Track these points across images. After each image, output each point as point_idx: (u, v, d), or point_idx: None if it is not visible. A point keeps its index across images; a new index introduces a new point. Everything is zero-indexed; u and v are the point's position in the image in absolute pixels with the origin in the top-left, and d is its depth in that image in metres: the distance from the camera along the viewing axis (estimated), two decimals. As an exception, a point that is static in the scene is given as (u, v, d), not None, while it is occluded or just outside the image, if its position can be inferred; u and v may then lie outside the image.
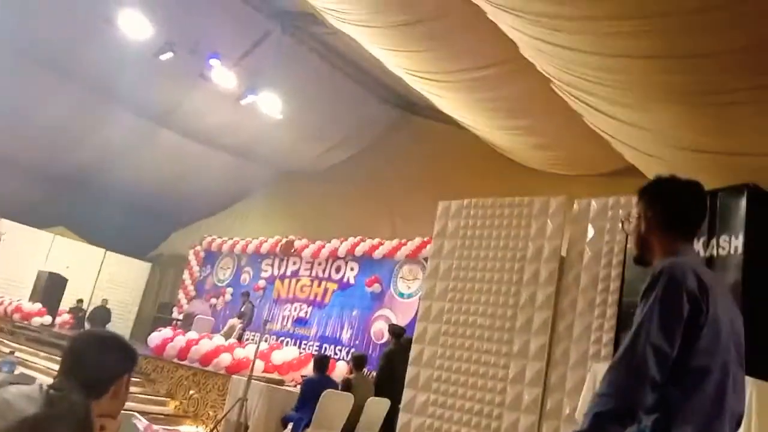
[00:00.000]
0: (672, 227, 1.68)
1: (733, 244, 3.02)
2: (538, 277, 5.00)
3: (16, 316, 12.12)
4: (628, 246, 1.88)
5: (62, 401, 1.67)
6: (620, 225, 1.93)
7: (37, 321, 12.01)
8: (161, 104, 12.68)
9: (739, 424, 1.55)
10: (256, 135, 13.13)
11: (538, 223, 5.18)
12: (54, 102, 12.17)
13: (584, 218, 4.97)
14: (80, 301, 14.39)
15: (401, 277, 10.39)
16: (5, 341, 10.60)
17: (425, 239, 9.72)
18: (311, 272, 12.04)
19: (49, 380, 1.79)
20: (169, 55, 10.35)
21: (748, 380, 2.40)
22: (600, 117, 6.58)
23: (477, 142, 10.28)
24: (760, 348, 2.64)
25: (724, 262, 3.09)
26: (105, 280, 15.69)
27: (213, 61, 10.50)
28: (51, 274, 13.66)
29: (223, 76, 10.79)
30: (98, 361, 1.86)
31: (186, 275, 14.77)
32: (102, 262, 15.82)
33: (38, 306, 12.44)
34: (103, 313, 14.04)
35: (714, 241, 3.15)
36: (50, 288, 13.27)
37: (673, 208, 1.70)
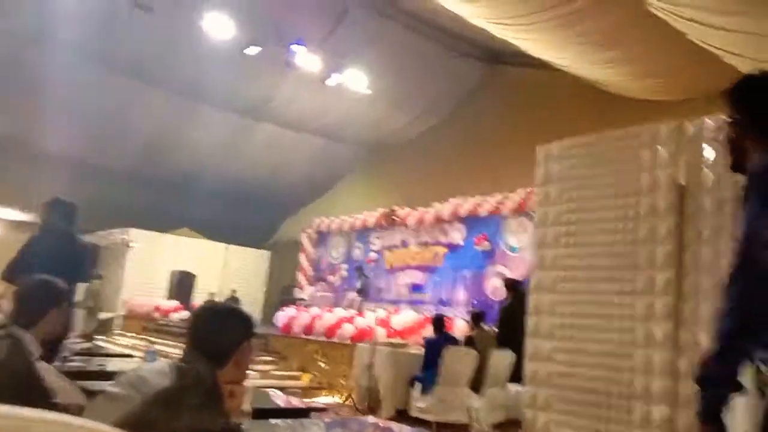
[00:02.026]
0: (762, 126, 1.56)
1: None
2: (656, 209, 4.74)
3: (157, 314, 13.26)
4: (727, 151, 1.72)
5: (190, 372, 1.81)
6: (724, 131, 1.78)
7: (175, 317, 13.10)
8: (253, 98, 13.18)
9: None
10: (347, 113, 13.35)
11: (648, 153, 4.89)
12: (148, 109, 12.99)
13: (699, 140, 4.62)
14: (212, 294, 15.45)
15: (510, 231, 10.22)
16: (150, 338, 11.65)
17: (528, 190, 9.47)
18: (419, 239, 12.14)
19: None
20: (254, 49, 10.71)
21: None
22: (708, 31, 6.06)
23: (571, 81, 9.83)
24: None
25: None
26: (230, 273, 16.73)
27: (296, 47, 10.73)
28: (181, 272, 14.79)
29: (307, 60, 11.03)
30: (218, 331, 2.00)
31: (302, 258, 15.43)
32: (225, 256, 16.86)
33: (174, 303, 13.54)
34: (233, 302, 15.01)
35: None
36: (182, 285, 14.40)
37: (759, 106, 1.58)
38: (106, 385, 2.10)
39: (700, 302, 4.47)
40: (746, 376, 1.37)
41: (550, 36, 7.85)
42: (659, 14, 6.20)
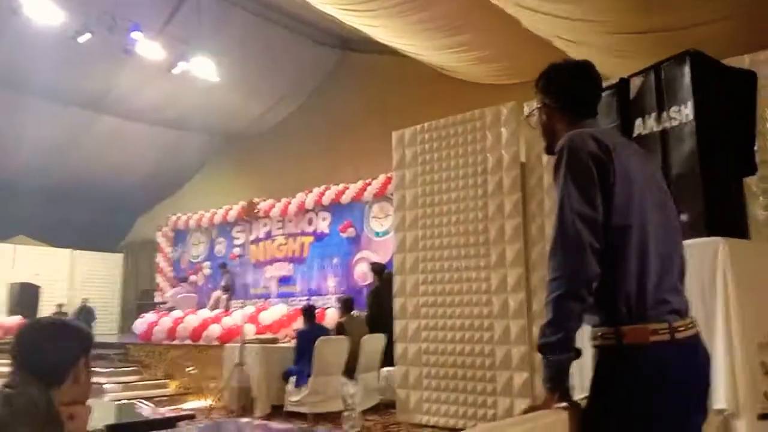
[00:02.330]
0: (569, 109, 1.69)
1: (683, 113, 3.02)
2: (502, 186, 5.03)
3: (-1, 333, 11.89)
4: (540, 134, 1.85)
5: (19, 397, 1.62)
6: (527, 121, 1.90)
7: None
8: (91, 90, 12.13)
9: (682, 273, 1.57)
10: (197, 103, 12.71)
11: (493, 134, 5.18)
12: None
13: (537, 120, 4.97)
14: (60, 305, 14.12)
15: (373, 217, 10.39)
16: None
17: (388, 175, 9.68)
18: (284, 230, 11.96)
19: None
20: (87, 36, 9.81)
21: (718, 240, 2.46)
22: (538, 17, 6.50)
23: (421, 67, 10.13)
24: (720, 207, 2.71)
25: (679, 133, 3.09)
26: (80, 280, 15.41)
27: (135, 34, 10.00)
28: (22, 284, 13.34)
29: (148, 47, 10.30)
30: (50, 350, 1.79)
31: (159, 258, 14.57)
32: (71, 263, 15.49)
33: (17, 318, 12.19)
34: (85, 313, 13.85)
35: (665, 114, 3.15)
36: (25, 298, 13.02)
37: (566, 91, 1.71)
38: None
39: (546, 272, 4.85)
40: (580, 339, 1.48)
41: (394, 22, 8.01)
42: (494, 1, 6.56)
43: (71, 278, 15.41)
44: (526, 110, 1.86)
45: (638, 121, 2.98)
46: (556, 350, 1.44)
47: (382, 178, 10.07)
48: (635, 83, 3.04)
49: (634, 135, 2.90)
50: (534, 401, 3.00)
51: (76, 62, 10.82)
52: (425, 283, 5.39)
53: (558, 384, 1.45)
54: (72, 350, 1.83)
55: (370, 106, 11.18)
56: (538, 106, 1.76)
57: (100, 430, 3.58)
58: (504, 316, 4.85)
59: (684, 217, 2.60)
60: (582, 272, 1.43)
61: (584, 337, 1.53)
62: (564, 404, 1.42)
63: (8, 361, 1.79)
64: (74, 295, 14.79)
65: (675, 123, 3.00)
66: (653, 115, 3.11)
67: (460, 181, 5.29)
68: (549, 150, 1.74)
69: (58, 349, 1.78)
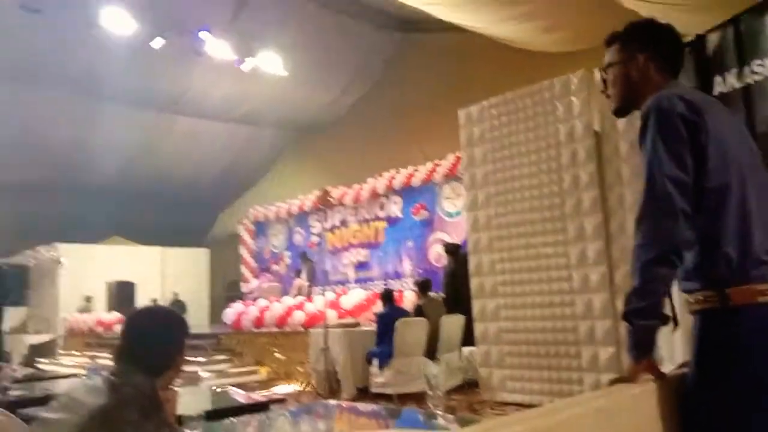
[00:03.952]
0: (664, 67, 1.63)
1: (768, 66, 2.84)
2: (576, 157, 4.89)
3: (99, 329, 12.79)
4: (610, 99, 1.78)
5: (126, 386, 1.73)
6: (601, 80, 1.82)
7: (118, 329, 12.61)
8: (167, 92, 12.69)
9: None
10: (267, 97, 13.06)
11: (563, 104, 5.03)
12: (56, 117, 12.25)
13: (610, 86, 4.77)
14: (154, 300, 14.97)
15: (445, 198, 10.35)
16: (96, 353, 11.23)
17: (458, 154, 9.60)
18: (358, 216, 12.14)
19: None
20: (159, 41, 10.26)
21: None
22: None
23: (485, 42, 9.90)
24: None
25: (763, 88, 2.91)
26: (171, 276, 16.27)
27: (203, 35, 10.36)
28: (119, 282, 14.26)
29: (216, 47, 10.67)
30: (157, 341, 1.91)
31: (243, 250, 15.16)
32: (162, 260, 16.37)
33: (116, 315, 13.07)
34: (177, 307, 14.65)
35: (747, 69, 2.97)
36: (122, 295, 13.90)
37: (665, 48, 1.65)
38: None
39: (628, 243, 4.68)
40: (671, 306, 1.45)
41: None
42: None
43: (162, 275, 16.29)
44: (609, 59, 1.78)
45: (718, 79, 2.83)
46: (644, 316, 1.40)
47: (451, 158, 10.00)
48: (712, 39, 2.88)
49: (714, 94, 2.76)
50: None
51: (152, 67, 11.35)
52: (501, 261, 5.33)
53: (645, 352, 1.42)
54: (179, 337, 1.95)
55: (435, 86, 11.09)
56: (622, 60, 1.67)
57: (199, 415, 3.81)
58: (585, 291, 4.73)
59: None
60: (673, 237, 1.39)
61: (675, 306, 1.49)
62: (651, 375, 1.39)
63: (110, 353, 1.92)
64: (166, 290, 15.65)
65: (759, 78, 2.83)
66: (734, 71, 2.94)
67: (532, 155, 5.18)
68: (620, 111, 1.69)
69: (167, 340, 1.91)
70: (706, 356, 1.41)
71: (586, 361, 4.68)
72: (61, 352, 13.50)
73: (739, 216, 1.42)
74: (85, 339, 12.91)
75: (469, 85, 9.59)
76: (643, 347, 1.42)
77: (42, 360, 12.44)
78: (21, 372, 8.38)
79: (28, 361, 12.16)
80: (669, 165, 1.41)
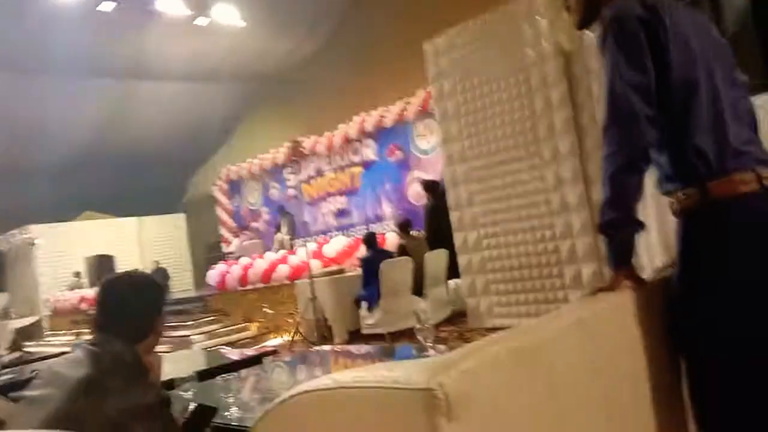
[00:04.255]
0: None
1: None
2: (546, 79, 4.81)
3: (84, 305, 12.70)
4: (571, 13, 1.72)
5: (107, 354, 1.70)
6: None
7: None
8: (123, 58, 12.20)
9: (755, 126, 1.49)
10: (227, 51, 12.64)
11: (530, 25, 4.90)
12: (6, 97, 11.77)
13: (574, 1, 4.65)
14: (135, 270, 14.84)
15: (418, 135, 10.25)
16: (82, 330, 11.19)
17: (427, 90, 9.45)
18: (332, 164, 12.02)
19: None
20: (108, 5, 9.79)
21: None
22: None
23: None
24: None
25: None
26: (149, 245, 16.11)
27: (153, -8, 9.91)
28: (98, 257, 14.09)
29: (169, 4, 10.21)
30: (138, 303, 1.87)
31: (220, 211, 15.01)
32: (138, 229, 16.17)
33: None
34: (160, 274, 14.56)
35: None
36: (102, 269, 13.74)
37: None
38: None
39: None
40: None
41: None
42: None
43: (141, 244, 16.13)
44: None
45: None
46: (620, 226, 1.39)
47: (421, 93, 9.85)
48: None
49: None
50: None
51: (104, 34, 10.87)
52: (479, 192, 5.32)
53: (624, 261, 1.41)
54: (156, 301, 1.91)
55: (398, 23, 10.80)
56: None
57: (191, 376, 3.80)
58: (564, 211, 4.75)
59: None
60: (637, 142, 1.37)
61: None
62: (632, 283, 1.38)
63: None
64: (146, 260, 15.53)
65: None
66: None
67: (501, 81, 5.09)
68: (582, 22, 1.63)
69: (143, 301, 1.87)
70: (693, 255, 1.40)
71: (569, 279, 4.75)
72: (47, 333, 13.43)
73: (711, 110, 1.40)
74: (71, 317, 12.83)
75: (432, 16, 9.32)
76: (621, 256, 1.41)
77: (29, 343, 12.38)
78: (8, 357, 8.32)
79: (15, 346, 12.07)
80: (627, 70, 1.38)
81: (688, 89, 1.40)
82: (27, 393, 1.89)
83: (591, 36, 4.65)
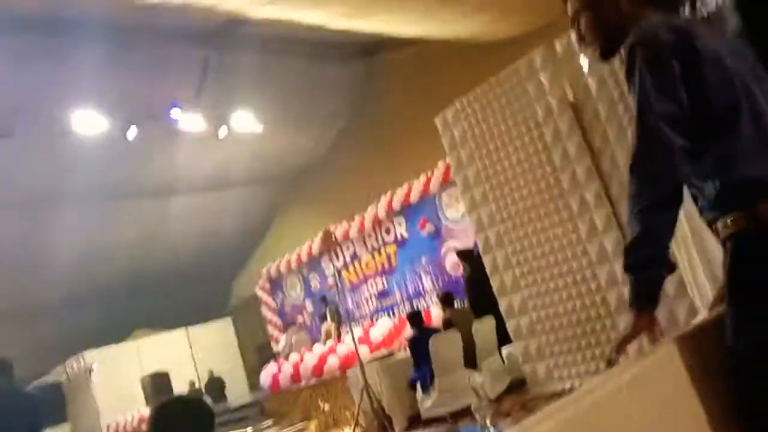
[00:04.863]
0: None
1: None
2: (560, 133, 4.83)
3: (144, 427, 12.65)
4: (586, 45, 1.68)
5: None
6: (573, 28, 1.74)
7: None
8: (157, 178, 12.77)
9: None
10: (252, 155, 13.10)
11: (532, 85, 4.99)
12: (53, 234, 12.31)
13: (571, 54, 4.74)
14: (192, 383, 14.85)
15: (446, 206, 10.29)
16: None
17: (447, 161, 9.57)
18: (367, 247, 12.08)
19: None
20: (133, 131, 10.35)
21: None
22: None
23: (443, 47, 9.98)
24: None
25: (719, 16, 2.85)
26: (201, 354, 16.14)
27: (174, 112, 10.44)
28: (152, 375, 14.17)
29: (190, 121, 10.75)
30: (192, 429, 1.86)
31: (265, 310, 15.08)
32: (189, 340, 16.30)
33: (157, 407, 12.96)
34: (215, 383, 14.51)
35: (699, 3, 2.91)
36: (158, 387, 13.79)
37: None
38: None
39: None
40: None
41: (397, 9, 7.99)
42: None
43: (193, 354, 16.18)
44: (571, 17, 1.68)
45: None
46: (648, 266, 1.33)
47: (441, 165, 9.97)
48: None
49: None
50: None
51: (134, 158, 11.44)
52: (515, 254, 5.25)
53: (648, 303, 1.33)
54: (206, 428, 1.90)
55: (411, 100, 11.12)
56: (589, 4, 1.56)
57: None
58: (604, 259, 4.63)
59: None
60: (669, 177, 1.32)
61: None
62: (651, 333, 1.30)
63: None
64: (201, 369, 15.54)
65: (711, 7, 2.77)
66: (687, 4, 2.89)
67: (515, 141, 5.14)
68: (606, 53, 1.57)
69: (192, 426, 1.86)
70: (745, 280, 1.31)
71: (624, 328, 4.55)
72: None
73: (754, 131, 1.32)
74: (133, 440, 12.79)
75: (438, 91, 9.60)
76: (646, 298, 1.34)
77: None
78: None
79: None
80: (657, 101, 1.32)
81: (728, 113, 1.33)
82: None
83: (591, 83, 4.68)
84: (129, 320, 15.60)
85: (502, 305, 5.43)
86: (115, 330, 15.17)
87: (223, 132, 11.26)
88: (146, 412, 13.00)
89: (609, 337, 4.65)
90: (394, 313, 10.97)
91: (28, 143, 9.76)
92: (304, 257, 13.50)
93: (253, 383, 15.08)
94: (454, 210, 10.16)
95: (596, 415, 0.93)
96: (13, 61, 8.54)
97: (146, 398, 14.05)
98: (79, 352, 14.77)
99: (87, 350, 14.72)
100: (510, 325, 5.41)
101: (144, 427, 12.54)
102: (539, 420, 0.86)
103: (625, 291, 4.45)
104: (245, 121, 11.28)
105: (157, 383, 13.88)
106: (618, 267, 4.57)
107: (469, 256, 7.24)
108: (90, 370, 14.71)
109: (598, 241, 4.68)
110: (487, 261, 5.52)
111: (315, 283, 13.56)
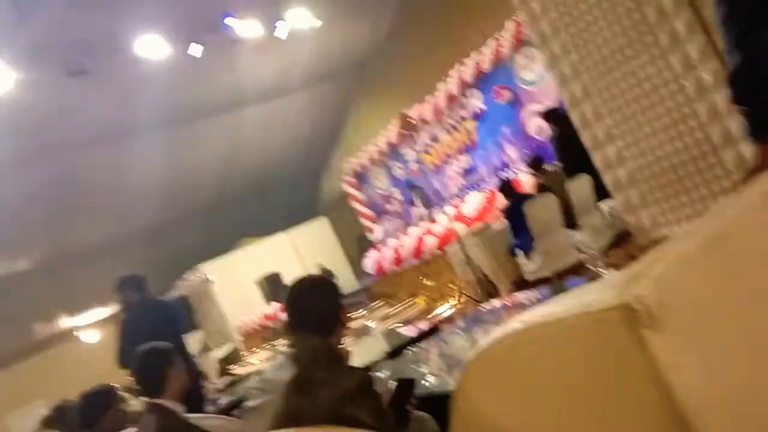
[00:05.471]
0: None
1: None
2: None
3: (269, 322, 13.80)
4: None
5: (306, 352, 1.85)
6: None
7: (283, 315, 13.56)
8: (222, 92, 12.93)
9: None
10: (315, 53, 12.95)
11: None
12: (148, 158, 12.96)
13: None
14: (323, 268, 15.64)
15: (522, 68, 9.84)
16: (273, 343, 12.16)
17: (515, 18, 9.03)
18: (444, 126, 11.92)
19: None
20: (197, 48, 10.42)
21: None
22: None
23: None
24: None
25: None
26: (306, 253, 17.01)
27: (229, 20, 10.37)
28: (266, 276, 15.23)
29: (246, 27, 10.66)
30: (323, 303, 2.04)
31: (356, 204, 15.54)
32: (293, 242, 17.20)
33: (276, 304, 14.04)
34: (328, 274, 15.37)
35: None
36: (273, 286, 14.86)
37: None
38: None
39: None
40: None
41: None
42: None
43: (298, 255, 17.11)
44: None
45: None
46: (759, 91, 1.19)
47: (511, 25, 9.44)
48: None
49: None
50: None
51: (200, 74, 11.62)
52: (604, 103, 5.00)
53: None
54: (337, 297, 2.09)
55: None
56: None
57: (383, 357, 3.99)
58: (703, 93, 4.33)
59: None
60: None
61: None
62: None
63: (284, 332, 2.10)
64: (309, 267, 16.44)
65: None
66: None
67: (593, -19, 4.72)
68: None
69: (328, 298, 2.07)
70: None
71: (731, 164, 4.33)
72: (245, 354, 14.79)
73: None
74: (261, 335, 14.03)
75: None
76: (765, 125, 1.24)
77: (232, 367, 13.71)
78: (220, 382, 9.28)
79: (222, 373, 13.45)
80: None
81: None
82: (249, 404, 2.12)
83: None
84: (232, 233, 16.57)
85: (597, 159, 5.26)
86: (221, 243, 16.23)
87: (281, 32, 11.12)
88: (267, 309, 14.14)
89: (716, 174, 4.45)
90: (482, 189, 10.96)
91: (102, 78, 10.09)
92: (384, 146, 13.57)
93: (358, 272, 15.88)
94: (529, 72, 9.73)
95: (734, 231, 0.89)
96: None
97: (265, 297, 15.22)
98: (194, 267, 16.02)
99: (201, 264, 15.93)
100: (608, 179, 5.27)
101: (268, 322, 13.70)
102: (671, 244, 0.84)
103: (729, 124, 4.19)
104: (302, 18, 11.06)
105: (272, 283, 14.95)
106: (719, 99, 4.27)
107: (554, 116, 7.00)
108: (209, 280, 16.00)
109: (694, 76, 4.35)
110: (575, 116, 5.30)
111: (398, 170, 13.69)
